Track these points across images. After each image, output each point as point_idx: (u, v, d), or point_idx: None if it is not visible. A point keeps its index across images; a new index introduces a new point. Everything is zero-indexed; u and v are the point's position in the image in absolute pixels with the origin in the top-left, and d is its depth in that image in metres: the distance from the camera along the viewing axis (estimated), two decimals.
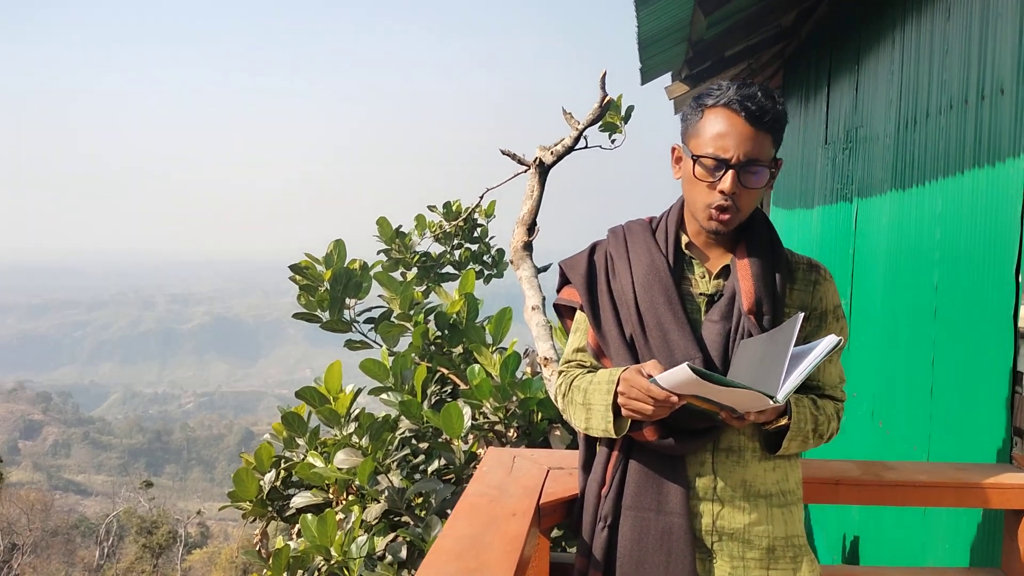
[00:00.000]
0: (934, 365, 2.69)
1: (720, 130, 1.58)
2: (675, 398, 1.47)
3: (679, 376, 1.40)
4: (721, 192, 1.59)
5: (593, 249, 1.81)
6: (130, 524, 32.84)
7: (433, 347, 4.42)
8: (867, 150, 3.71)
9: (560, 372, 1.82)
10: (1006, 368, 2.14)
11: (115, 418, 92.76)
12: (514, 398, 3.83)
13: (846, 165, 4.07)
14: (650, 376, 1.50)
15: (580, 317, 1.82)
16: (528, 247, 4.46)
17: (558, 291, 1.87)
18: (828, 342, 1.51)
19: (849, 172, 4.01)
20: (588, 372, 1.76)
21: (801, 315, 1.49)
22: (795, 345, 1.56)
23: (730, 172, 1.58)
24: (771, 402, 1.41)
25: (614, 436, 1.63)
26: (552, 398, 3.61)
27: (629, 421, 1.63)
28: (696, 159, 1.60)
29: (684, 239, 1.74)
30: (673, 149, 1.72)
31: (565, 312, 1.88)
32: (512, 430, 3.94)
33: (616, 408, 1.61)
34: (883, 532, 3.14)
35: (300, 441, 4.09)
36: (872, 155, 3.62)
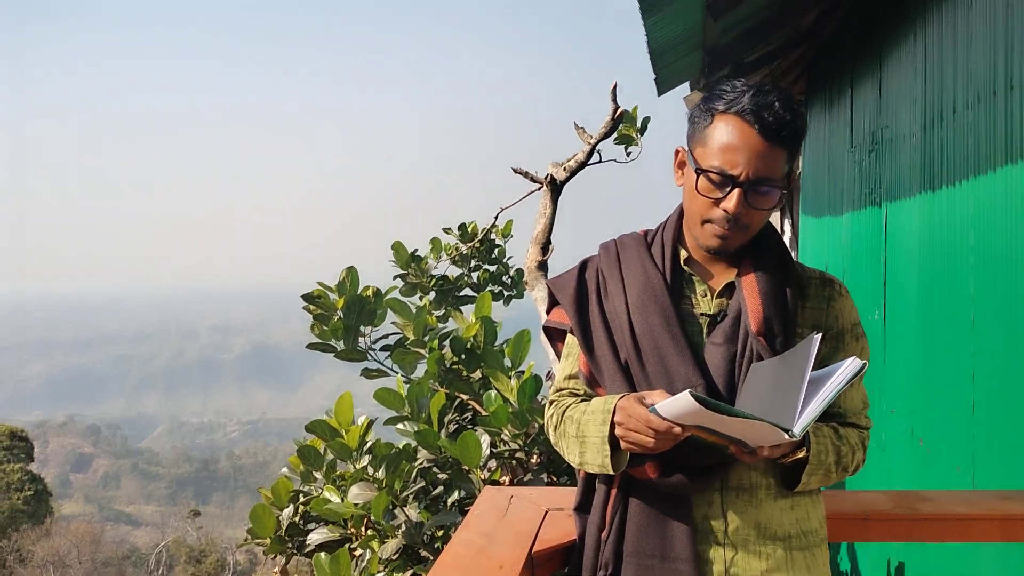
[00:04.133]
0: (974, 379, 2.49)
1: (730, 142, 1.41)
2: (678, 429, 1.32)
3: (681, 405, 1.25)
4: (725, 211, 1.44)
5: (584, 266, 1.66)
6: (179, 553, 33.17)
7: (451, 373, 4.30)
8: (893, 151, 3.52)
9: (551, 402, 1.67)
10: None
11: (162, 448, 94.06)
12: (534, 424, 3.69)
13: (873, 168, 3.88)
14: (651, 405, 1.35)
15: (571, 341, 1.66)
16: (543, 267, 4.33)
17: (548, 312, 1.72)
18: (851, 365, 1.34)
19: (877, 175, 3.82)
20: (582, 401, 1.60)
21: (818, 336, 1.33)
22: (812, 370, 1.41)
23: (736, 191, 1.42)
24: (786, 436, 1.25)
25: (611, 472, 1.48)
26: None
27: (628, 455, 1.47)
28: (700, 172, 1.45)
29: (683, 254, 1.59)
30: (677, 152, 1.56)
31: (556, 335, 1.74)
32: (534, 456, 3.80)
33: (614, 441, 1.46)
34: (928, 561, 2.92)
35: (317, 475, 3.99)
36: (899, 156, 3.43)
